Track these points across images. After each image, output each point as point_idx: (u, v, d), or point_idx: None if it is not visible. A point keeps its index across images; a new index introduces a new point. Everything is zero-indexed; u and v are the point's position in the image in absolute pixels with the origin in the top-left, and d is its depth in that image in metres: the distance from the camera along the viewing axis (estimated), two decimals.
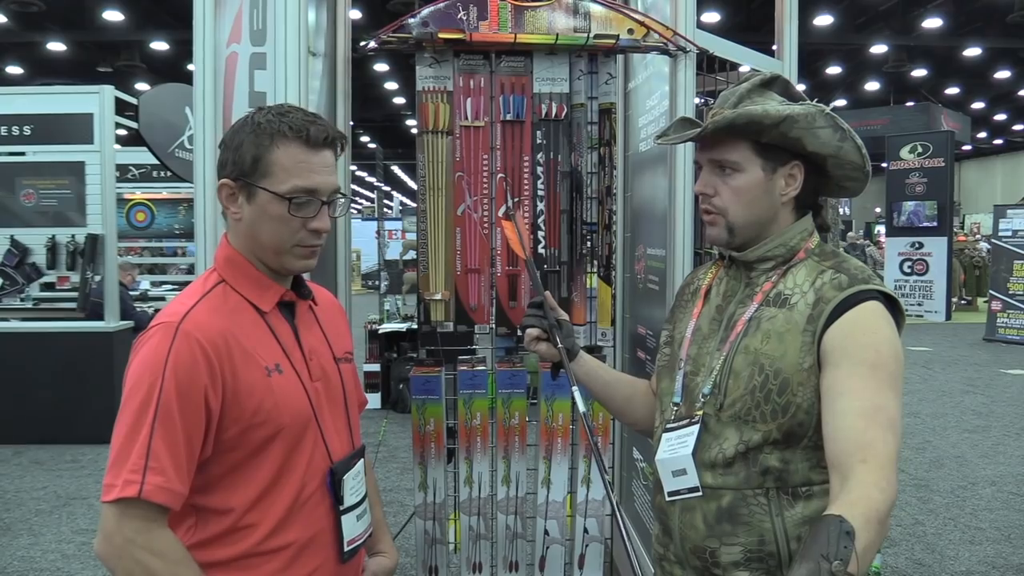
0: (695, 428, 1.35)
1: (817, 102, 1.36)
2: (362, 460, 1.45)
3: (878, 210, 22.26)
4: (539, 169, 2.48)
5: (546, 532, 2.54)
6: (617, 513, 1.30)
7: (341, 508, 1.37)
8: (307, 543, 1.33)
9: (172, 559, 1.19)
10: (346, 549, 1.38)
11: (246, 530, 1.28)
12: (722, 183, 1.37)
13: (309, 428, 1.33)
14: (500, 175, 2.47)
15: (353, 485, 1.40)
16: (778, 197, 1.36)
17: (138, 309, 6.95)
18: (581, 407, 1.47)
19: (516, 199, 2.47)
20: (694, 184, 2.24)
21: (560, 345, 1.54)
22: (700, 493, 1.32)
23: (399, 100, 21.17)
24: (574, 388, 1.50)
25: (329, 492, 1.36)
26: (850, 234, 19.52)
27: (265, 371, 1.28)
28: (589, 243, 2.52)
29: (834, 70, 18.54)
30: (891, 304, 1.30)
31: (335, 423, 1.40)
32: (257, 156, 1.27)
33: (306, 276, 1.44)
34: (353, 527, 1.40)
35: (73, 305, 6.34)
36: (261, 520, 1.28)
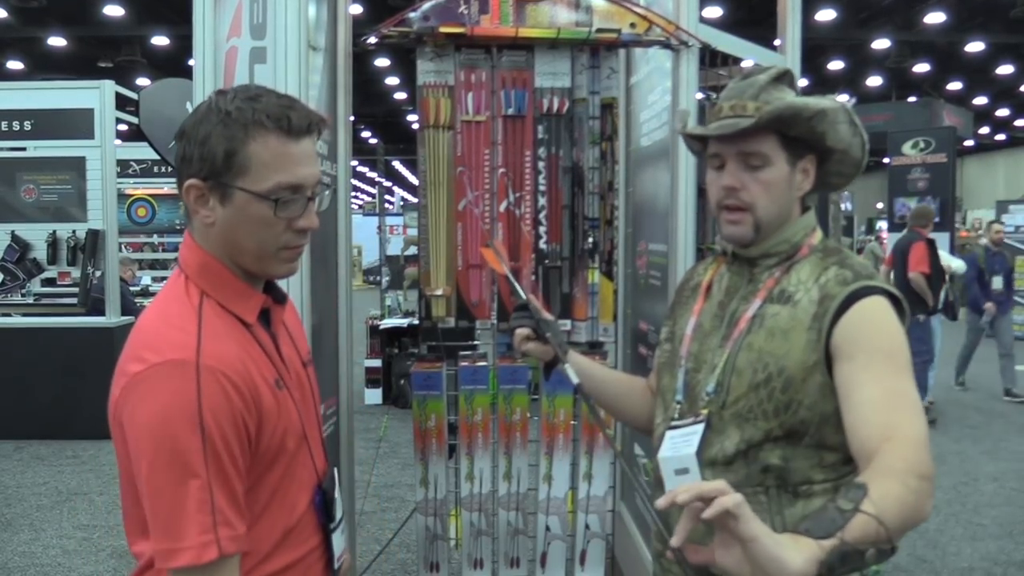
0: (700, 427, 1.32)
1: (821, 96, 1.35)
2: (335, 468, 1.36)
3: (880, 206, 22.23)
4: (540, 164, 2.47)
5: (547, 528, 2.53)
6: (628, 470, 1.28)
7: (332, 526, 1.28)
8: (296, 564, 1.23)
9: None
10: (336, 567, 1.30)
11: (243, 558, 1.16)
12: (750, 177, 1.32)
13: (302, 446, 1.22)
14: (501, 170, 2.46)
15: (338, 501, 1.32)
16: (795, 192, 1.35)
17: (138, 304, 6.95)
18: (573, 379, 1.44)
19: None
20: (697, 179, 2.25)
21: (549, 334, 1.50)
22: None
23: (400, 95, 21.14)
24: (566, 365, 1.47)
25: (317, 511, 1.26)
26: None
27: (271, 389, 1.16)
28: (591, 239, 2.51)
29: (836, 65, 18.48)
30: (894, 302, 1.28)
31: (314, 435, 1.28)
32: (230, 151, 1.10)
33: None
34: (339, 542, 1.31)
35: (74, 301, 6.35)
36: (256, 548, 1.16)
